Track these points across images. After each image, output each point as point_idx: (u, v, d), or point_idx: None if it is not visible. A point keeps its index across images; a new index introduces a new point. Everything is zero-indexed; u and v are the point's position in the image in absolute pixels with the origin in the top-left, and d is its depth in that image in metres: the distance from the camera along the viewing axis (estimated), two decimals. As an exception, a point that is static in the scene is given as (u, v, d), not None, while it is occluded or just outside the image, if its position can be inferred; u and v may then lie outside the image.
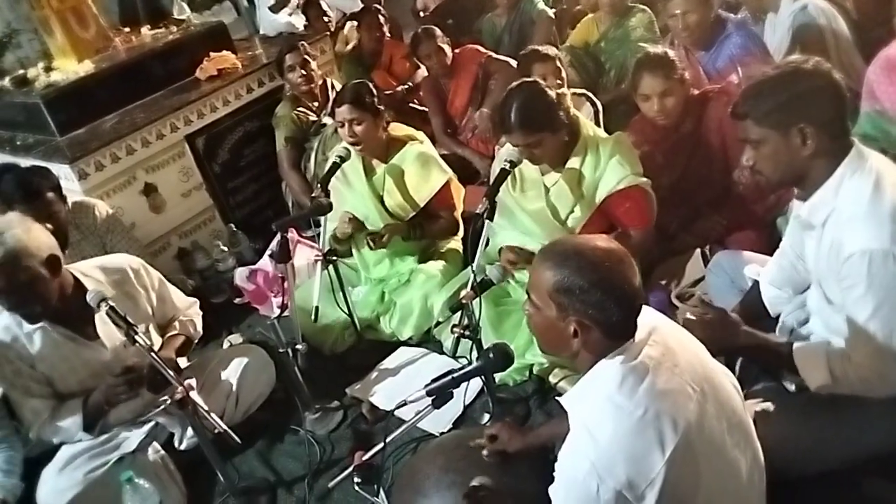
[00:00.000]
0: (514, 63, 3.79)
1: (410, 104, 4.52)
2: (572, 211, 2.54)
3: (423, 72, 4.37)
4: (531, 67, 3.21)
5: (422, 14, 6.05)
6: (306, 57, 3.73)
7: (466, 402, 2.43)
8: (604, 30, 3.99)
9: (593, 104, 3.27)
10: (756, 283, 2.13)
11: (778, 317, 2.07)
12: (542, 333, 1.52)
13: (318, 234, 2.78)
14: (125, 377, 2.15)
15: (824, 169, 1.67)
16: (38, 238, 2.16)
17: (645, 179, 2.47)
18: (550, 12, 4.57)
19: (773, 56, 3.14)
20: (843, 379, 1.69)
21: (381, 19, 4.73)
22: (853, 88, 2.91)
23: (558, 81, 3.13)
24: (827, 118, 1.64)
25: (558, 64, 3.20)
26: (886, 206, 1.60)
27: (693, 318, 1.81)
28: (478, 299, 2.18)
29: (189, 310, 2.63)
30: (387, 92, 4.47)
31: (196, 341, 2.61)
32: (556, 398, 1.50)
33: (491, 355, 1.70)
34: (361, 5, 5.57)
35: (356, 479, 1.79)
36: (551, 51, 3.28)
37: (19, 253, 2.07)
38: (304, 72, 3.71)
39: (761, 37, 3.23)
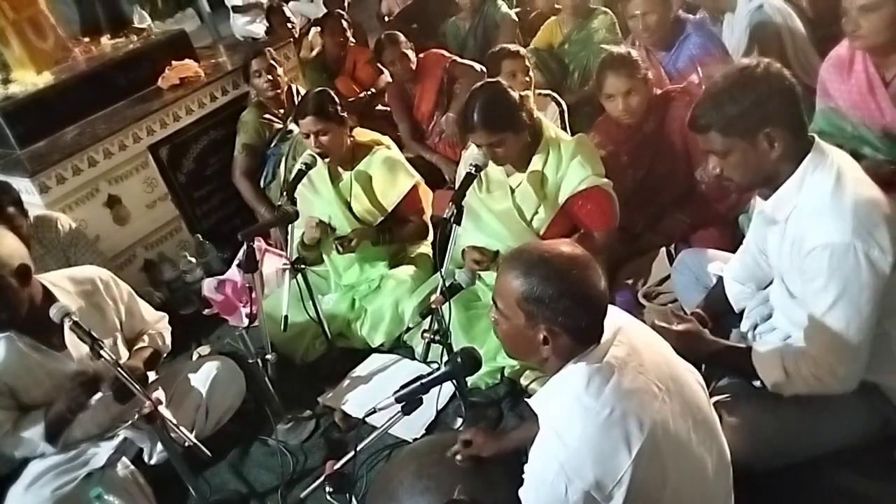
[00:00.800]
0: (478, 67, 3.81)
1: (375, 108, 4.51)
2: (536, 212, 2.56)
3: (386, 77, 4.38)
4: (500, 64, 3.23)
5: (386, 18, 6.06)
6: (272, 62, 3.71)
7: (439, 407, 2.43)
8: (567, 32, 4.03)
9: (558, 104, 3.29)
10: (720, 279, 2.17)
11: (742, 311, 2.11)
12: (510, 341, 1.53)
13: (285, 240, 2.76)
14: (80, 380, 2.13)
15: (789, 167, 1.70)
16: (10, 247, 2.13)
17: (606, 180, 2.49)
18: (514, 15, 4.60)
19: (731, 56, 3.20)
20: (795, 375, 1.73)
21: (345, 24, 4.72)
22: (809, 85, 2.98)
23: (526, 79, 3.15)
24: (789, 119, 1.67)
25: (526, 62, 3.23)
26: (847, 200, 1.63)
27: (664, 325, 1.84)
28: (447, 304, 2.19)
29: (158, 324, 2.60)
30: (350, 99, 4.47)
31: (165, 355, 2.58)
32: (527, 400, 1.51)
33: (459, 359, 1.71)
34: (325, 11, 5.56)
35: (328, 489, 1.79)
36: (518, 49, 3.30)
37: None
38: (270, 77, 3.68)
39: (720, 37, 3.28)
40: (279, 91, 3.74)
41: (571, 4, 3.96)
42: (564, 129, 3.13)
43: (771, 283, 2.01)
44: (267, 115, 3.74)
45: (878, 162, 2.40)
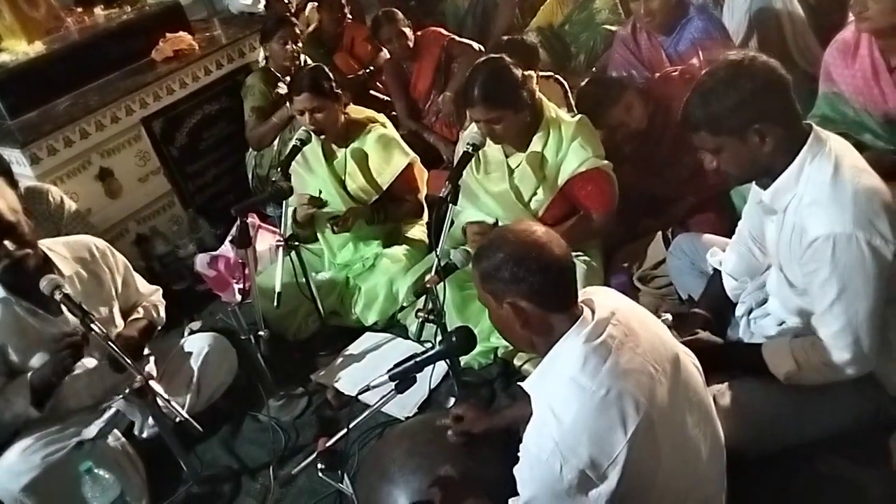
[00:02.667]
0: (476, 46, 3.77)
1: (371, 91, 4.47)
2: (535, 193, 2.55)
3: (385, 54, 4.32)
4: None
5: (384, -4, 5.98)
6: (295, 33, 3.66)
7: (432, 387, 2.43)
8: (567, 12, 4.01)
9: (561, 85, 3.27)
10: (717, 272, 2.16)
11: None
12: (497, 327, 1.56)
13: (280, 218, 2.74)
14: (65, 343, 2.12)
15: (786, 157, 1.69)
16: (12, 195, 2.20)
17: (606, 162, 2.49)
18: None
19: (732, 39, 3.18)
20: (806, 366, 1.74)
21: (342, 1, 4.65)
22: (809, 72, 2.97)
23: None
24: (778, 112, 1.65)
25: (535, 58, 3.20)
26: (847, 189, 1.62)
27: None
28: (442, 284, 2.18)
29: (152, 296, 2.59)
30: (349, 76, 4.42)
31: (159, 328, 2.56)
32: (519, 383, 1.51)
33: (453, 338, 1.70)
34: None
35: (319, 466, 1.79)
36: (533, 41, 3.29)
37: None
38: (292, 47, 3.63)
39: (722, 21, 3.26)
40: (295, 62, 3.69)
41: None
42: (571, 109, 3.10)
43: (767, 269, 2.01)
44: (271, 80, 3.69)
45: (880, 151, 2.40)
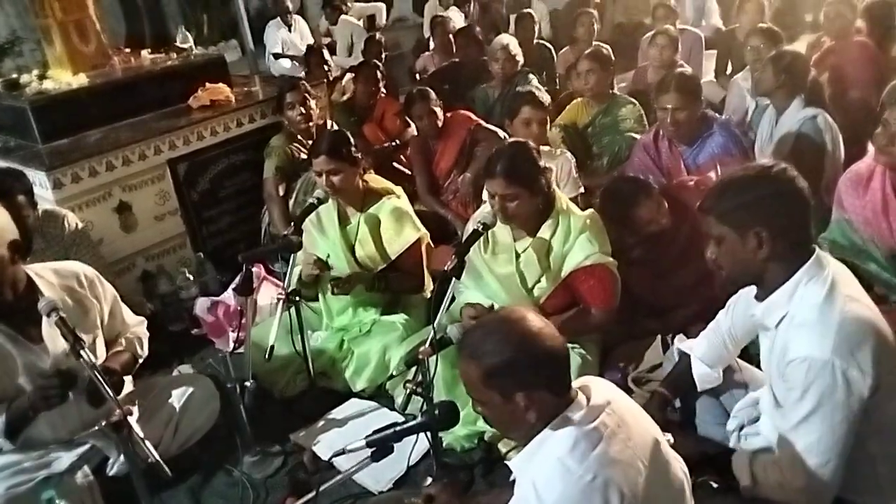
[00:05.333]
0: (502, 134, 3.87)
1: (394, 164, 4.57)
2: (539, 281, 2.56)
3: (412, 130, 4.44)
4: (521, 108, 3.30)
5: (418, 76, 6.20)
6: (306, 95, 3.79)
7: (411, 463, 2.37)
8: (593, 115, 4.11)
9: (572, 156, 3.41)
10: (683, 355, 2.18)
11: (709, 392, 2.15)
12: (500, 423, 1.55)
13: (286, 274, 2.76)
14: (54, 381, 2.07)
15: (781, 273, 1.70)
16: (4, 221, 2.13)
17: (611, 260, 2.51)
18: (544, 91, 4.69)
19: (754, 154, 3.25)
20: (763, 482, 1.74)
21: (379, 75, 4.82)
22: (828, 203, 2.98)
23: (539, 132, 3.23)
24: (785, 224, 1.67)
25: (546, 116, 3.30)
26: (835, 316, 1.62)
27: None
28: (435, 357, 2.16)
29: (137, 328, 2.56)
30: (376, 146, 4.54)
31: (140, 361, 2.52)
32: (506, 461, 1.49)
33: (437, 412, 1.68)
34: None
35: (285, 527, 1.75)
36: (546, 99, 3.36)
37: None
38: (303, 110, 3.77)
39: (741, 139, 3.33)
40: (311, 124, 3.81)
41: (592, 92, 4.06)
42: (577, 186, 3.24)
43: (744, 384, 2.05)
44: (295, 144, 3.81)
45: (884, 281, 2.41)
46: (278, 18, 7.31)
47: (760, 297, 1.77)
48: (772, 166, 1.72)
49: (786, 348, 1.67)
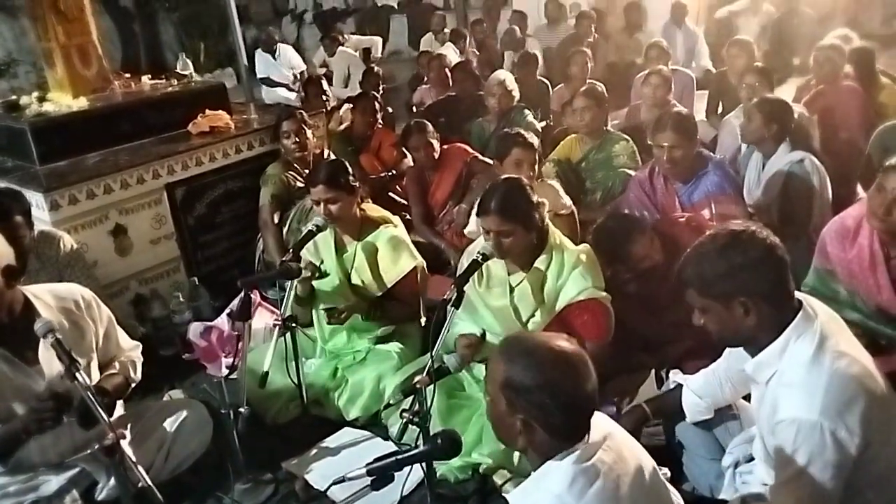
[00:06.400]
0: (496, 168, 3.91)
1: (390, 193, 4.61)
2: (533, 315, 2.57)
3: (408, 161, 4.49)
4: (511, 149, 3.34)
5: (415, 109, 6.27)
6: (302, 125, 3.83)
7: (404, 494, 2.35)
8: (586, 150, 4.16)
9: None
10: (678, 385, 2.20)
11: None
12: (494, 424, 1.54)
13: (281, 299, 2.76)
14: (49, 405, 2.03)
15: (770, 332, 1.70)
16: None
17: (605, 294, 2.52)
18: (538, 126, 4.76)
19: (746, 194, 3.29)
20: None
21: (377, 106, 4.89)
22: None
23: (531, 173, 3.24)
24: (766, 289, 1.67)
25: (535, 156, 3.33)
26: (823, 376, 1.62)
27: None
28: (432, 387, 2.16)
29: (131, 352, 2.54)
30: (372, 176, 4.57)
31: (133, 385, 2.49)
32: (503, 495, 1.49)
33: (439, 441, 1.67)
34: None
35: (279, 555, 1.73)
36: (534, 140, 3.40)
37: None
38: (297, 139, 3.81)
39: (736, 178, 3.38)
40: (306, 153, 3.85)
41: (587, 129, 4.11)
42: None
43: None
44: (291, 172, 3.83)
45: (869, 329, 2.40)
46: (260, 49, 7.53)
47: (752, 353, 1.78)
48: (742, 230, 1.70)
49: (775, 406, 1.68)
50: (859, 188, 3.72)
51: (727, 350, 2.07)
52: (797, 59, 6.40)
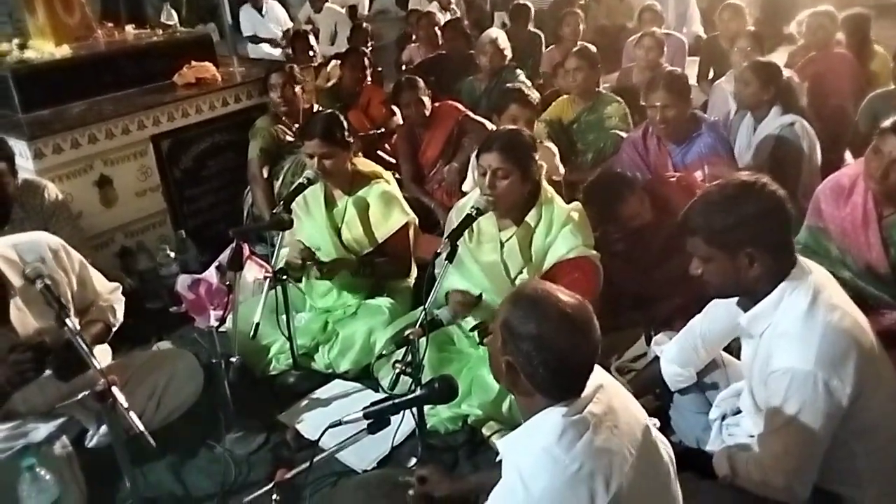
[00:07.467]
0: (489, 125, 3.89)
1: (378, 151, 4.57)
2: (521, 272, 2.56)
3: (398, 119, 4.44)
4: (509, 105, 3.32)
5: (405, 67, 6.20)
6: (291, 79, 3.78)
7: (395, 443, 2.38)
8: (578, 112, 4.15)
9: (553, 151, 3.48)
10: (656, 357, 2.22)
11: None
12: (491, 358, 1.54)
13: (271, 254, 2.74)
14: (33, 353, 2.02)
15: (768, 285, 1.72)
16: None
17: (594, 252, 2.52)
18: (529, 85, 4.72)
19: (736, 157, 3.30)
20: (744, 477, 1.77)
21: (366, 62, 4.82)
22: (803, 208, 3.04)
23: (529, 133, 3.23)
24: (772, 241, 1.69)
25: (532, 114, 3.32)
26: (817, 327, 1.65)
27: None
28: (424, 338, 2.17)
29: (110, 294, 2.48)
30: (360, 133, 4.52)
31: (114, 328, 2.45)
32: (493, 441, 1.49)
33: (436, 385, 1.69)
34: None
35: (275, 497, 1.73)
36: (534, 97, 3.38)
37: None
38: (283, 93, 3.75)
39: (729, 140, 3.39)
40: (292, 107, 3.79)
41: (578, 90, 4.10)
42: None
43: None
44: (280, 126, 3.78)
45: (858, 289, 2.43)
46: (248, 4, 7.32)
47: (745, 307, 1.79)
48: (753, 182, 1.71)
49: (769, 357, 1.70)
50: (848, 154, 3.75)
51: (707, 309, 2.09)
52: (789, 28, 6.39)
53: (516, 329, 1.40)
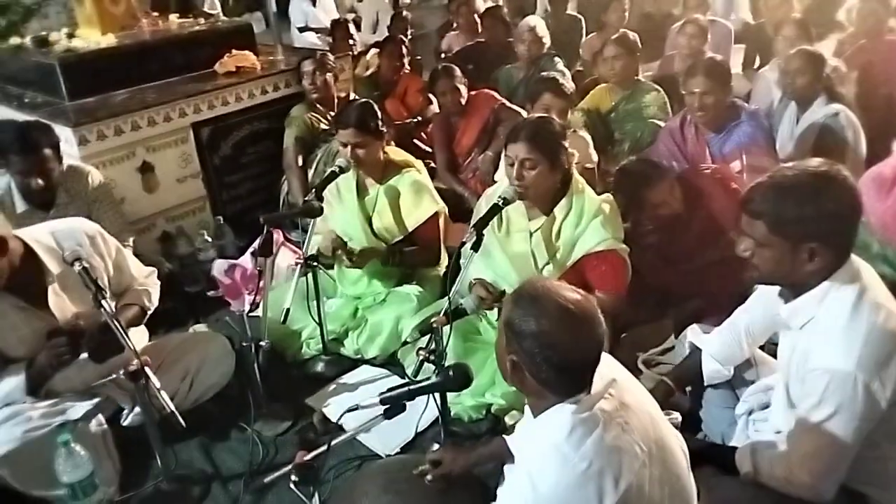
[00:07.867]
0: (525, 115, 3.86)
1: (415, 140, 4.58)
2: (548, 263, 2.54)
3: (434, 107, 4.44)
4: (542, 94, 3.30)
5: (443, 55, 6.18)
6: (323, 67, 3.83)
7: (419, 430, 2.40)
8: (616, 100, 4.09)
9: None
10: (695, 349, 2.18)
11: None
12: (497, 358, 1.54)
13: (304, 241, 2.78)
14: (68, 337, 2.11)
15: (818, 279, 1.66)
16: None
17: (624, 246, 2.48)
18: (569, 75, 4.67)
19: (778, 147, 3.22)
20: (767, 474, 1.74)
21: (404, 50, 4.82)
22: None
23: (560, 121, 3.20)
24: (838, 239, 1.62)
25: (566, 104, 3.29)
26: (861, 328, 1.59)
27: None
28: (448, 327, 2.18)
29: (146, 279, 2.55)
30: (397, 122, 4.54)
31: (149, 312, 2.52)
32: (504, 437, 1.50)
33: (451, 373, 1.70)
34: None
35: (293, 478, 1.76)
36: (569, 88, 3.35)
37: None
38: (314, 80, 3.80)
39: (770, 130, 3.31)
40: (325, 95, 3.84)
41: (617, 78, 4.04)
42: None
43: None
44: (315, 114, 3.83)
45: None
46: None
47: (787, 298, 1.73)
48: (835, 174, 1.59)
49: (808, 353, 1.65)
50: (895, 144, 3.62)
51: (747, 302, 2.05)
52: (840, 14, 6.18)
53: (518, 327, 1.40)
